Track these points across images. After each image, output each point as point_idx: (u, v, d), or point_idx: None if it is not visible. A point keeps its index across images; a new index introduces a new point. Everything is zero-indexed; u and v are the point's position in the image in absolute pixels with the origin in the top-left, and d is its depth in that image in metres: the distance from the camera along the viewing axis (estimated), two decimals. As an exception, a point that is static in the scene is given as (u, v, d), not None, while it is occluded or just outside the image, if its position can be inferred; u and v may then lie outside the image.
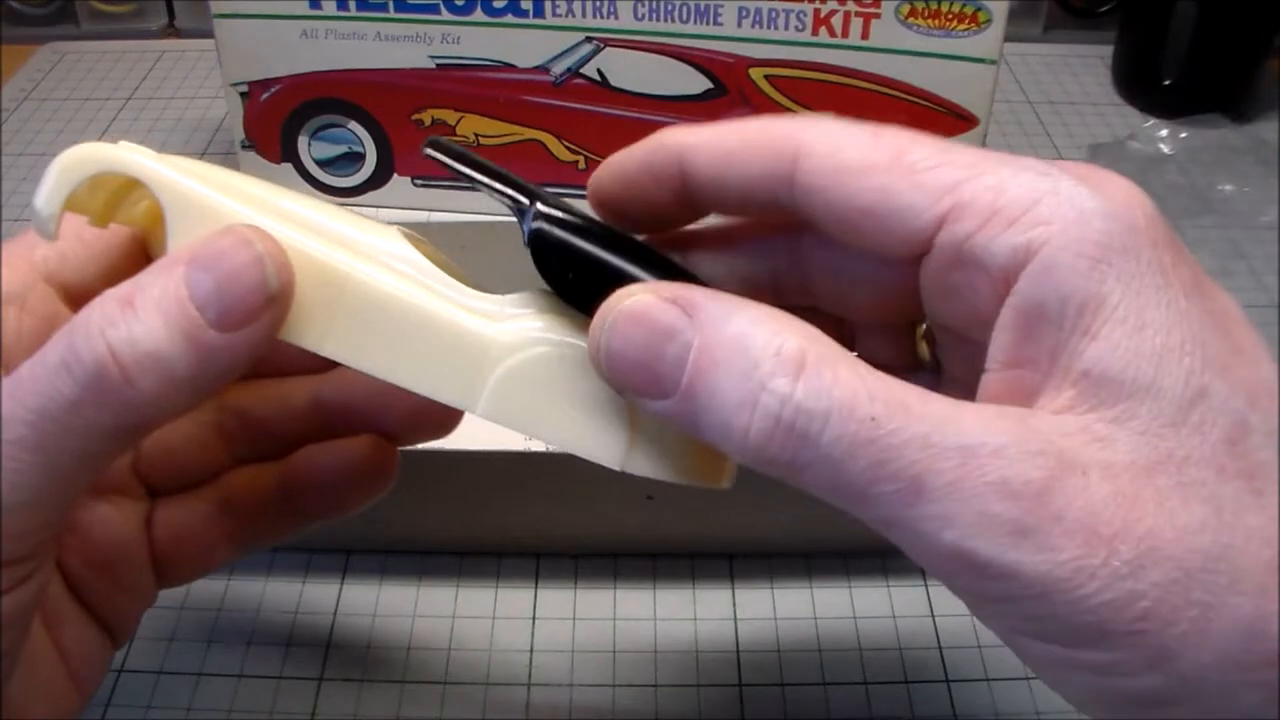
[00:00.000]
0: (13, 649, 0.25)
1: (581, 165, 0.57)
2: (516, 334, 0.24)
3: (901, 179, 0.22)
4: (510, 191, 0.24)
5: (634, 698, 0.37)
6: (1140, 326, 0.20)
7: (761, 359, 0.20)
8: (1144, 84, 0.68)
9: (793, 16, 0.51)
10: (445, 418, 0.31)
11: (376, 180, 0.59)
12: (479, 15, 0.53)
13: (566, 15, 0.52)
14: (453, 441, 0.44)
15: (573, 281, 0.24)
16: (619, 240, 0.24)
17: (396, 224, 0.27)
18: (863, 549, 0.42)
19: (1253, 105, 0.67)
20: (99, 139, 0.67)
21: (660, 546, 0.42)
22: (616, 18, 0.52)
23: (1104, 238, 0.20)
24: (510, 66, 0.54)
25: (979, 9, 0.50)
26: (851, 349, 0.24)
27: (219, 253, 0.22)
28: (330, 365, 0.30)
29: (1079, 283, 0.20)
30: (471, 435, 0.44)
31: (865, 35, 0.51)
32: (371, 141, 0.57)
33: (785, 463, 0.20)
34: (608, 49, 0.53)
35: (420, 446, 0.43)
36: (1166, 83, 0.66)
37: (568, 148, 0.56)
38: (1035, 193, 0.21)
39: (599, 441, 0.24)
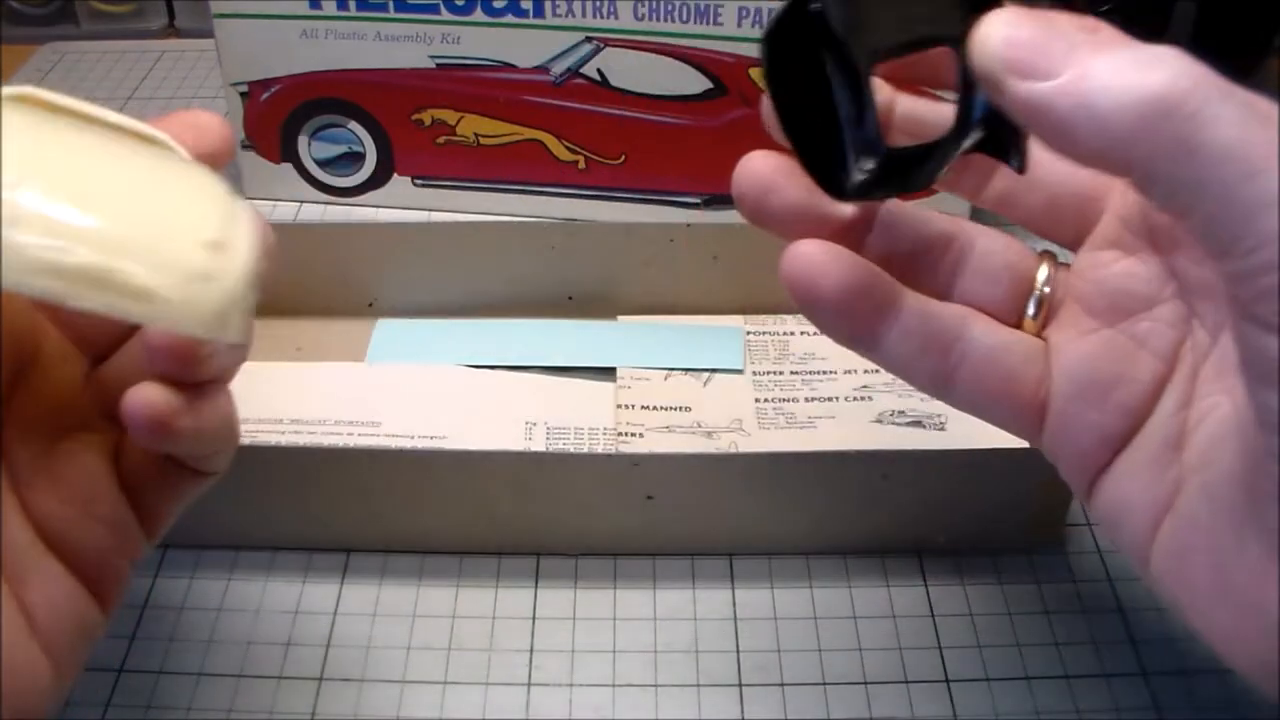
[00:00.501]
0: None
1: (581, 165, 0.57)
2: None
3: None
4: None
5: (634, 698, 0.37)
6: None
7: (1163, 56, 0.21)
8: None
9: (793, 16, 0.51)
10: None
11: (376, 180, 0.59)
12: (479, 15, 0.53)
13: (566, 15, 0.52)
14: (453, 441, 0.45)
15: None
16: None
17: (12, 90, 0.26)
18: (863, 549, 0.42)
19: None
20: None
21: (660, 546, 0.42)
22: (616, 18, 0.52)
23: None
24: (510, 66, 0.54)
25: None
26: None
27: None
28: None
29: None
30: (472, 435, 0.45)
31: (865, 35, 0.51)
32: (371, 141, 0.57)
33: (1164, 149, 0.21)
34: (608, 49, 0.53)
35: (420, 446, 0.44)
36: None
37: (568, 148, 0.56)
38: None
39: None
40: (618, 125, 0.55)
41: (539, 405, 0.46)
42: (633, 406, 0.46)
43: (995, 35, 0.22)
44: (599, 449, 0.44)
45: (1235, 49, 0.65)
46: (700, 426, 0.46)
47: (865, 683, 0.38)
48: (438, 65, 0.55)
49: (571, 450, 0.44)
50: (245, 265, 0.26)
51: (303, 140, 0.58)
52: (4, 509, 0.26)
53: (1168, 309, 0.27)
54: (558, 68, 0.54)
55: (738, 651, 0.39)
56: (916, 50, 0.26)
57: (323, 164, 0.59)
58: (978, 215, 0.33)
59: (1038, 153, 0.27)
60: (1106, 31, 0.22)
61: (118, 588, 0.28)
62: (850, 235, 0.29)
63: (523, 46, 0.54)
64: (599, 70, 0.54)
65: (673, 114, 0.54)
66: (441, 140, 0.57)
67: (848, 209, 0.28)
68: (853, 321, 0.28)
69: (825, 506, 0.40)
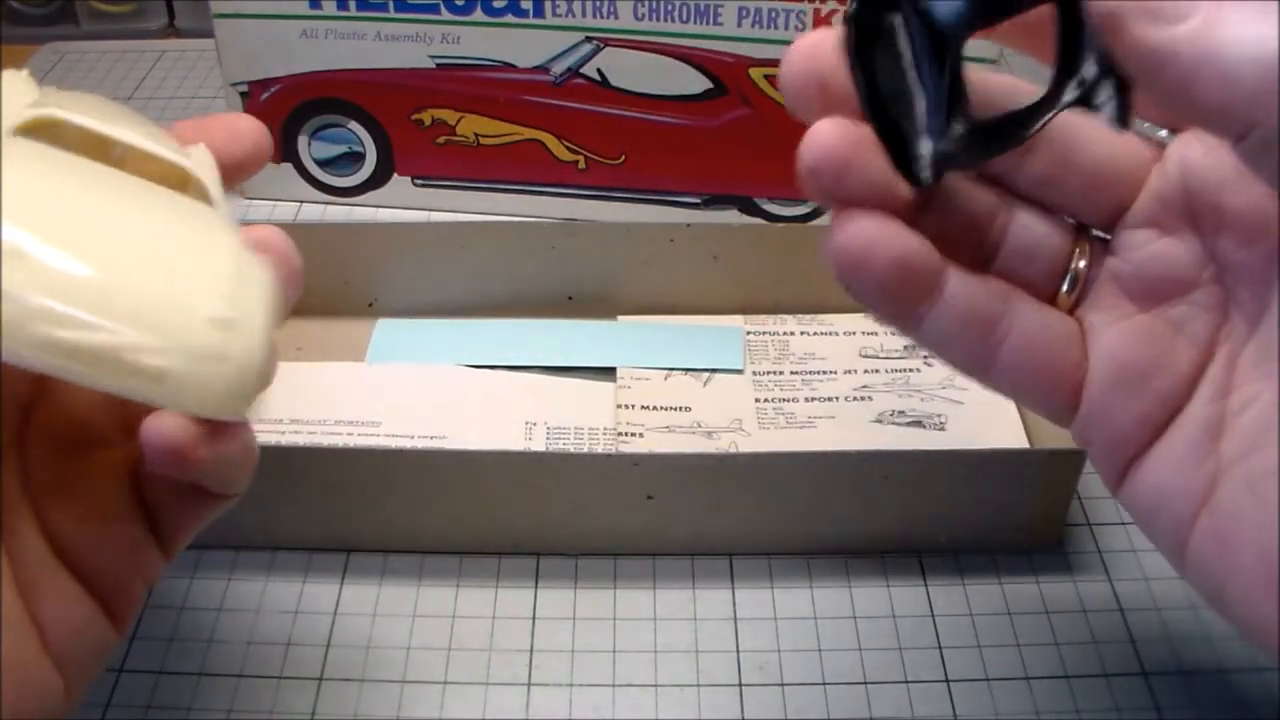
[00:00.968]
0: None
1: (581, 165, 0.57)
2: None
3: None
4: None
5: (634, 698, 0.37)
6: None
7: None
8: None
9: (793, 16, 0.51)
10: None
11: (376, 180, 0.59)
12: (479, 15, 0.53)
13: (566, 15, 0.52)
14: (453, 441, 0.45)
15: None
16: None
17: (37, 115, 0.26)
18: (863, 549, 0.42)
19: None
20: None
21: (660, 546, 0.42)
22: (616, 18, 0.52)
23: None
24: (510, 66, 0.54)
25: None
26: None
27: None
28: None
29: None
30: (472, 435, 0.45)
31: (865, 35, 0.51)
32: (371, 141, 0.57)
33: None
34: (608, 49, 0.53)
35: (420, 447, 0.44)
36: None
37: (568, 148, 0.56)
38: None
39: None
40: (618, 125, 0.55)
41: (539, 405, 0.46)
42: (633, 406, 0.46)
43: None
44: (599, 449, 0.44)
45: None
46: (700, 426, 0.46)
47: (865, 683, 0.38)
48: (438, 65, 0.55)
49: (571, 450, 0.44)
50: (260, 342, 0.25)
51: (303, 140, 0.58)
52: (19, 524, 0.26)
53: (1205, 293, 0.27)
54: (558, 68, 0.54)
55: (738, 651, 0.39)
56: (1014, 12, 0.25)
57: (323, 164, 0.59)
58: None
59: (1078, 131, 0.26)
60: None
61: (132, 607, 0.28)
62: (907, 212, 0.27)
63: (523, 46, 0.54)
64: (599, 70, 0.54)
65: (673, 114, 0.54)
66: (441, 140, 0.57)
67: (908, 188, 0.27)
68: (899, 299, 0.27)
69: (825, 506, 0.40)
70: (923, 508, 0.41)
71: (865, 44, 0.25)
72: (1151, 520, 0.27)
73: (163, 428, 0.25)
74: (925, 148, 0.25)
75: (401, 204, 0.59)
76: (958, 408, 0.46)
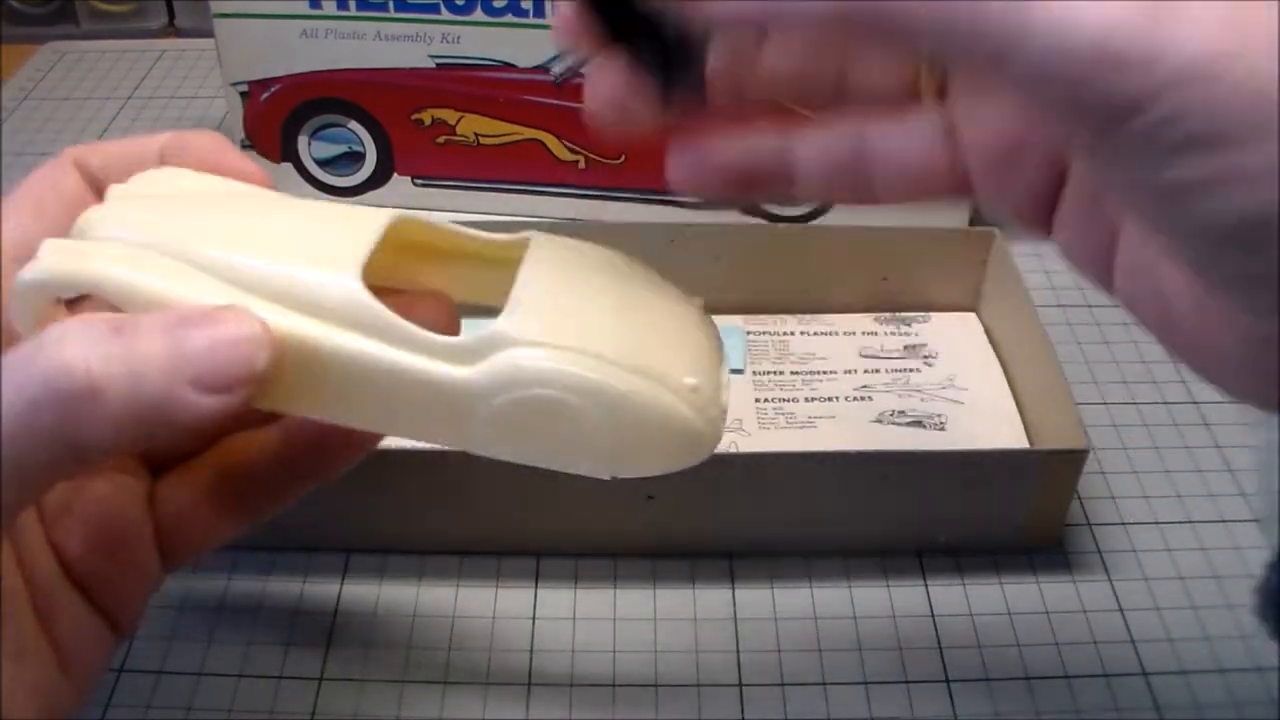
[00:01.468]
0: None
1: (581, 165, 0.57)
2: (485, 377, 0.25)
3: None
4: None
5: (634, 698, 0.37)
6: None
7: None
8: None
9: (793, 16, 0.51)
10: None
11: (376, 180, 0.59)
12: (479, 15, 0.53)
13: (566, 15, 0.52)
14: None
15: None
16: None
17: (393, 209, 0.27)
18: (863, 549, 0.42)
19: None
20: (99, 138, 0.67)
21: (660, 546, 0.42)
22: (616, 17, 0.52)
23: None
24: (510, 66, 0.54)
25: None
26: None
27: (220, 322, 0.23)
28: None
29: None
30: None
31: (865, 35, 0.51)
32: (371, 141, 0.57)
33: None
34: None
35: (420, 447, 0.43)
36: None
37: (568, 148, 0.56)
38: None
39: (587, 461, 0.26)
40: (618, 125, 0.55)
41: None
42: (633, 406, 0.46)
43: None
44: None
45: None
46: (700, 426, 0.46)
47: (865, 683, 0.38)
48: (438, 65, 0.55)
49: (571, 450, 0.44)
50: (722, 410, 0.27)
51: (303, 140, 0.58)
52: (33, 549, 0.27)
53: None
54: (558, 68, 0.54)
55: (738, 651, 0.39)
56: None
57: (323, 164, 0.59)
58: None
59: None
60: None
61: (135, 618, 0.29)
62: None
63: (523, 46, 0.54)
64: (599, 70, 0.54)
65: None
66: (441, 140, 0.57)
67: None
68: (755, 195, 0.28)
69: (825, 506, 0.40)
70: (923, 508, 0.41)
71: None
72: (1080, 271, 0.26)
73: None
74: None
75: (402, 204, 0.59)
76: (958, 408, 0.46)
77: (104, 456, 0.23)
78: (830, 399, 0.47)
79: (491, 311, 0.26)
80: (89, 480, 0.28)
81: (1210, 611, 0.40)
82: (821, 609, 0.40)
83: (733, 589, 0.41)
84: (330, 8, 0.54)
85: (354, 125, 0.57)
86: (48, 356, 0.22)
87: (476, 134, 0.56)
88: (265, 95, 0.57)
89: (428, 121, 0.56)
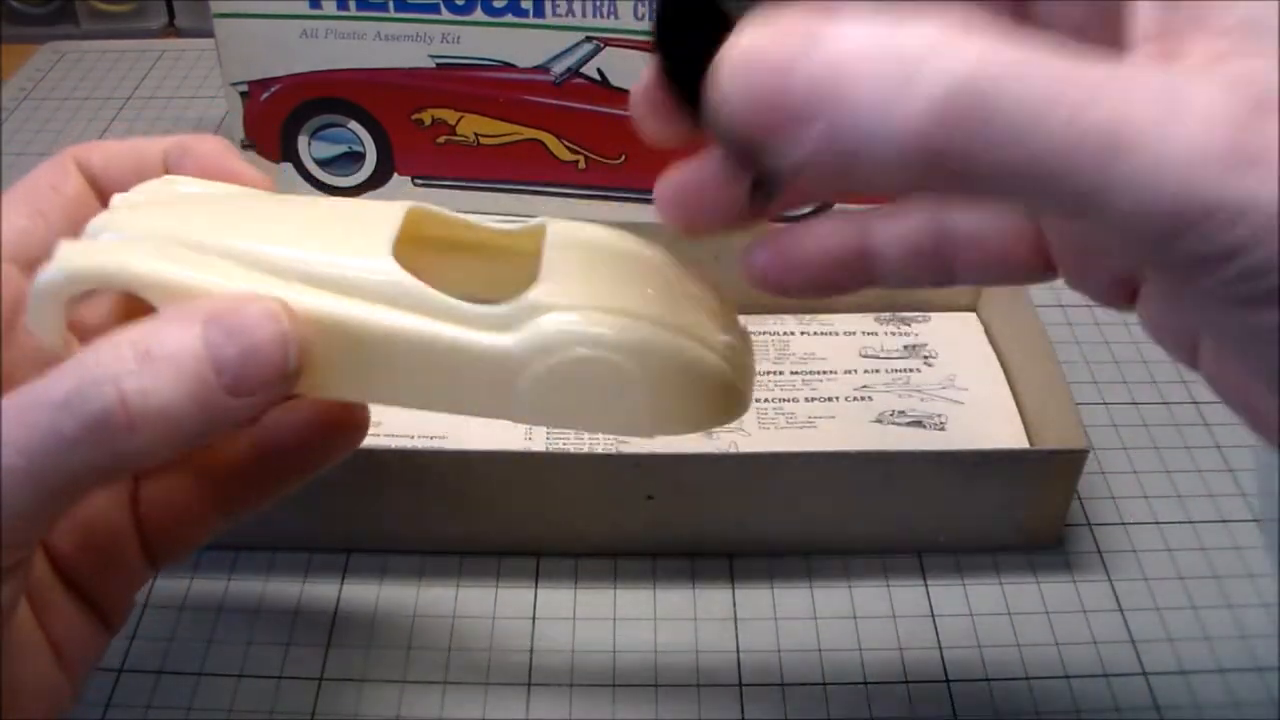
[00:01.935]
0: None
1: (581, 165, 0.57)
2: (522, 344, 0.25)
3: None
4: None
5: (634, 698, 0.37)
6: None
7: (919, 44, 0.17)
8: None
9: (793, 16, 0.51)
10: None
11: (376, 180, 0.59)
12: (479, 15, 0.53)
13: (566, 15, 0.52)
14: (453, 441, 0.44)
15: (688, 45, 0.22)
16: None
17: (407, 207, 0.27)
18: (863, 549, 0.42)
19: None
20: (99, 138, 0.67)
21: (660, 546, 0.42)
22: (616, 18, 0.52)
23: None
24: (510, 66, 0.54)
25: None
26: None
27: (245, 323, 0.23)
28: None
29: None
30: (472, 435, 0.44)
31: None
32: (371, 141, 0.57)
33: (976, 152, 0.17)
34: (608, 49, 0.53)
35: (420, 447, 0.44)
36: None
37: (568, 147, 0.56)
38: None
39: (627, 423, 0.26)
40: (618, 125, 0.55)
41: (539, 405, 0.46)
42: (633, 406, 0.46)
43: (724, 98, 0.19)
44: (599, 449, 0.44)
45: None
46: (700, 426, 0.46)
47: (865, 683, 0.38)
48: (438, 65, 0.55)
49: (571, 450, 0.44)
50: (751, 371, 0.28)
51: (303, 140, 0.58)
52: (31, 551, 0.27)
53: None
54: (558, 68, 0.54)
55: (738, 651, 0.39)
56: None
57: (323, 164, 0.59)
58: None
59: None
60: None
61: (124, 614, 0.30)
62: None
63: (523, 46, 0.54)
64: (599, 70, 0.54)
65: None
66: (441, 140, 0.57)
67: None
68: (840, 289, 0.27)
69: (825, 506, 0.40)
70: (923, 508, 0.41)
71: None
72: (1161, 345, 0.25)
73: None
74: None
75: (401, 204, 0.59)
76: (958, 408, 0.46)
77: (142, 469, 0.23)
78: (830, 399, 0.47)
79: None
80: None
81: (1210, 611, 0.40)
82: (821, 609, 0.40)
83: (733, 589, 0.41)
84: (330, 8, 0.54)
85: (354, 125, 0.57)
86: (85, 400, 0.22)
87: (476, 134, 0.56)
88: (265, 95, 0.57)
89: (428, 121, 0.56)
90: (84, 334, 0.27)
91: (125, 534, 0.29)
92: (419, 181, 0.58)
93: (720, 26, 0.20)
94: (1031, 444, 0.44)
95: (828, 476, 0.39)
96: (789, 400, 0.47)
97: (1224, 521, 0.43)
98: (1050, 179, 0.18)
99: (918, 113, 0.17)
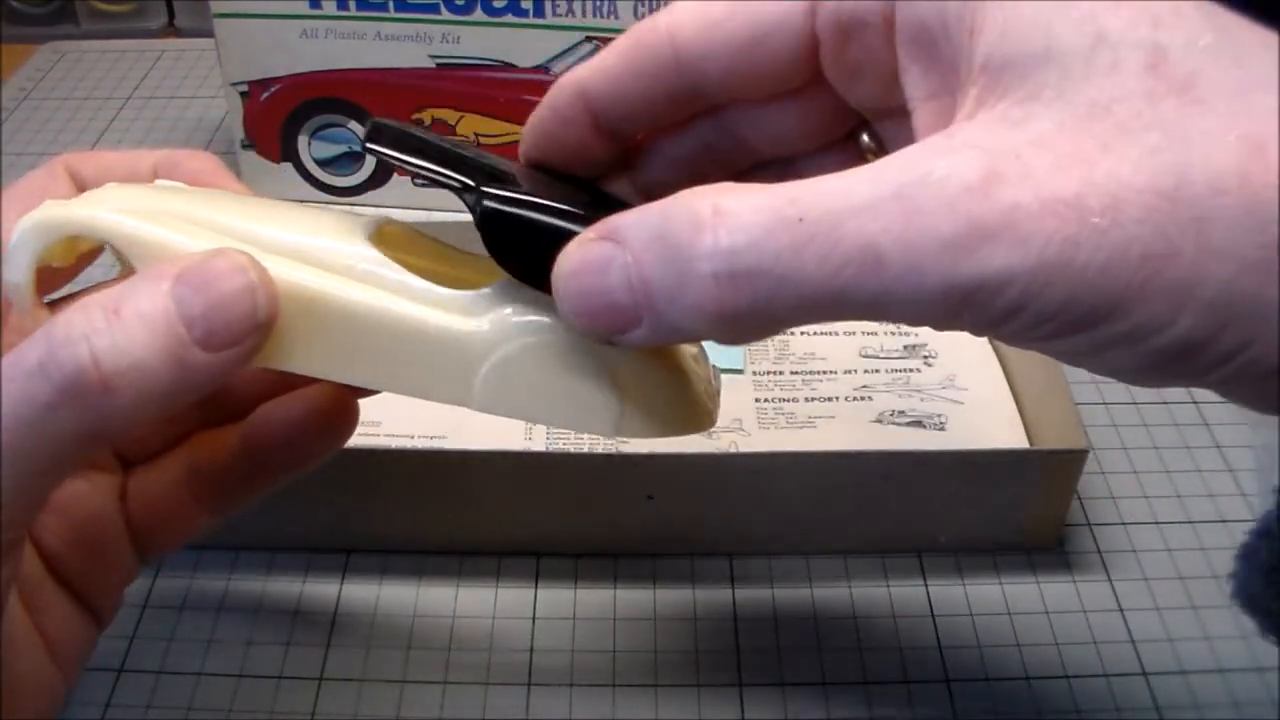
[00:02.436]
0: None
1: (581, 165, 0.56)
2: (494, 327, 0.25)
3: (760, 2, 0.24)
4: (455, 176, 0.25)
5: (634, 698, 0.37)
6: (1016, 3, 0.20)
7: (679, 236, 0.20)
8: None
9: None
10: None
11: (376, 180, 0.59)
12: (479, 15, 0.53)
13: (566, 15, 0.52)
14: (453, 441, 0.44)
15: (522, 260, 0.24)
16: (563, 197, 0.25)
17: (380, 217, 0.28)
18: (863, 549, 0.42)
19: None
20: (99, 139, 0.67)
21: (660, 546, 0.42)
22: (616, 17, 0.52)
23: None
24: (510, 66, 0.54)
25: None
26: None
27: (212, 275, 0.23)
28: None
29: None
30: (472, 435, 0.44)
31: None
32: (371, 141, 0.57)
33: (762, 308, 0.20)
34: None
35: (421, 446, 0.44)
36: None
37: (568, 147, 0.56)
38: None
39: (591, 415, 0.25)
40: (618, 125, 0.55)
41: (539, 405, 0.46)
42: (633, 406, 0.46)
43: (570, 316, 0.23)
44: (599, 449, 0.44)
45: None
46: (700, 426, 0.46)
47: (865, 683, 0.38)
48: (438, 65, 0.55)
49: (571, 450, 0.44)
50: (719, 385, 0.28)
51: (303, 140, 0.58)
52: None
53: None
54: (558, 68, 0.54)
55: (738, 651, 0.39)
56: None
57: (323, 164, 0.59)
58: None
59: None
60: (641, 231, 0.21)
61: (113, 609, 0.30)
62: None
63: (523, 46, 0.54)
64: (599, 70, 0.54)
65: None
66: (441, 140, 0.57)
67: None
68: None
69: (825, 506, 0.40)
70: (923, 508, 0.41)
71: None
72: None
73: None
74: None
75: (402, 204, 0.59)
76: (958, 408, 0.46)
77: (128, 435, 0.23)
78: (830, 399, 0.47)
79: None
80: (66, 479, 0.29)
81: (1210, 611, 0.40)
82: (821, 609, 0.40)
83: (733, 589, 0.41)
84: (330, 8, 0.54)
85: (354, 125, 0.57)
86: (57, 362, 0.22)
87: (476, 134, 0.56)
88: (265, 95, 0.57)
89: (428, 121, 0.56)
90: None
91: (114, 529, 0.30)
92: (419, 182, 0.58)
93: (540, 238, 0.24)
94: (1031, 444, 0.44)
95: (828, 476, 0.39)
96: (789, 400, 0.47)
97: (1224, 521, 0.43)
98: (833, 306, 0.20)
99: (706, 298, 0.20)
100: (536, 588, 0.41)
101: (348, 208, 0.27)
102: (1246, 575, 0.24)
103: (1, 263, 0.25)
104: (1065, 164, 0.19)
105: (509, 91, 0.55)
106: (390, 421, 0.46)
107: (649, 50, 0.26)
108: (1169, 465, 0.46)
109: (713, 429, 0.28)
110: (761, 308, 0.20)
